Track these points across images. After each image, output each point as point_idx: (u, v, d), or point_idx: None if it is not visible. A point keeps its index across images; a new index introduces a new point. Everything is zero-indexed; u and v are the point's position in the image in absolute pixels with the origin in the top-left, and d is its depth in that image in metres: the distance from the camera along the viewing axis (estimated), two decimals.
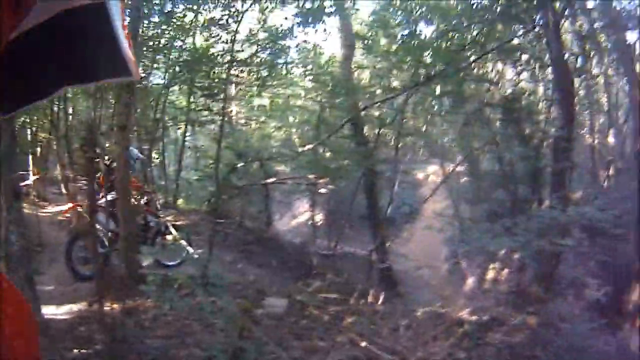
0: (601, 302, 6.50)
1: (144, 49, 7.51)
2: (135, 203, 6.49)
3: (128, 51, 1.20)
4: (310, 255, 8.64)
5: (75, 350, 4.15)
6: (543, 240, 5.40)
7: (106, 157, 7.00)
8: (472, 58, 7.57)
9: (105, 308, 4.40)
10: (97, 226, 5.89)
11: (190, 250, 6.53)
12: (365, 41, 9.77)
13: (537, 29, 7.48)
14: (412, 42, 7.95)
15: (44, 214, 8.83)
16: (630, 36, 9.92)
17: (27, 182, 9.80)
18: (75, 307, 5.25)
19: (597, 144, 11.42)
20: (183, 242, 6.56)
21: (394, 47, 8.82)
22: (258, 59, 8.17)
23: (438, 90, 8.89)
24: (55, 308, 5.25)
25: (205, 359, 3.95)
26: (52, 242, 7.83)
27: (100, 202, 6.21)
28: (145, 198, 6.76)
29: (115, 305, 4.78)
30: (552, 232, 5.54)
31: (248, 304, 5.13)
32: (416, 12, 9.00)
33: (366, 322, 4.98)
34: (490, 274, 8.67)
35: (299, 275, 7.80)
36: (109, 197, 6.25)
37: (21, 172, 10.39)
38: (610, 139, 11.55)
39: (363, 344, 4.38)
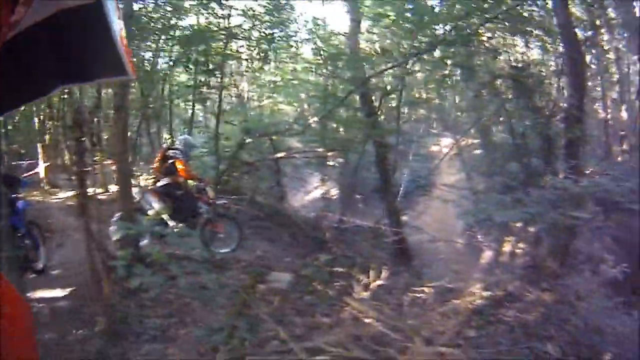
0: (617, 279, 6.20)
1: (141, 29, 7.45)
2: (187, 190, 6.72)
3: (124, 50, 1.22)
4: (321, 229, 8.39)
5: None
6: (555, 212, 5.15)
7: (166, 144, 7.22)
8: (476, 25, 7.26)
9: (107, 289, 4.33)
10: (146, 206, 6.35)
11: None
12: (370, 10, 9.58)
13: None
14: (416, 8, 7.65)
15: (54, 201, 8.80)
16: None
17: (36, 170, 10.03)
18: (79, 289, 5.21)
19: (610, 119, 11.12)
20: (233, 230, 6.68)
21: (398, 15, 8.46)
22: (257, 33, 8.00)
23: (447, 60, 8.56)
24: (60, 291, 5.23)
25: (202, 337, 3.84)
26: (62, 227, 7.86)
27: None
28: (198, 186, 6.83)
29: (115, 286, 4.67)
30: (565, 204, 5.28)
31: (251, 280, 4.98)
32: None
33: (373, 297, 4.82)
34: (505, 248, 8.45)
35: (309, 250, 7.62)
36: (162, 182, 6.60)
37: (31, 161, 10.69)
38: (623, 114, 11.25)
39: (368, 320, 4.19)
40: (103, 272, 4.77)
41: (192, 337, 4.05)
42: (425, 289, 5.08)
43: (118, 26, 1.18)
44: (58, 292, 5.32)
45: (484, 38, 8.66)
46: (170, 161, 6.61)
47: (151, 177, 7.32)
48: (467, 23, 7.24)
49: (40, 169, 10.04)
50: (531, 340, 4.19)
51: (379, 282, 5.08)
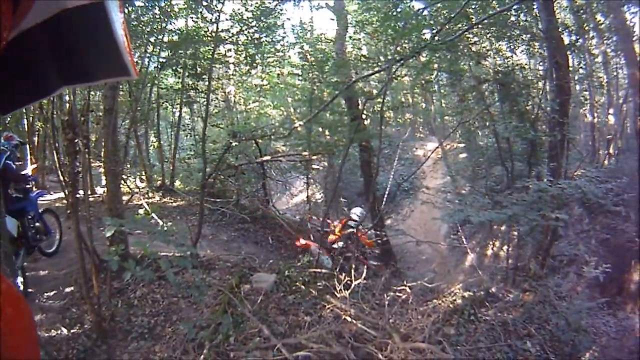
0: (600, 280, 6.32)
1: (130, 31, 7.52)
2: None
3: (126, 50, 1.19)
4: (305, 232, 8.48)
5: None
6: (534, 213, 5.25)
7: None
8: (461, 30, 7.32)
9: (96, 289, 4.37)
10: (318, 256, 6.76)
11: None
12: (356, 16, 9.68)
13: (528, 3, 7.30)
14: (401, 14, 7.72)
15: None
16: (629, 15, 9.75)
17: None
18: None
19: (597, 122, 11.25)
20: None
21: (383, 21, 8.55)
22: (244, 38, 8.08)
23: (433, 65, 8.71)
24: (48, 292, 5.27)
25: (188, 334, 3.90)
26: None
27: None
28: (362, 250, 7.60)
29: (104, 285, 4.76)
30: (544, 205, 5.37)
31: (235, 280, 5.04)
32: None
33: (354, 296, 4.85)
34: (488, 250, 8.52)
35: (294, 252, 7.82)
36: (339, 244, 7.41)
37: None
38: (610, 118, 11.39)
39: (348, 318, 4.27)
40: (92, 271, 4.89)
41: (178, 334, 4.10)
42: (406, 289, 5.13)
43: (120, 26, 1.16)
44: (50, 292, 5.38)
45: (470, 43, 8.74)
46: (350, 230, 7.38)
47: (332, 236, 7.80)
48: (452, 29, 7.34)
49: (28, 170, 10.25)
50: (511, 338, 4.32)
51: (360, 282, 5.10)
